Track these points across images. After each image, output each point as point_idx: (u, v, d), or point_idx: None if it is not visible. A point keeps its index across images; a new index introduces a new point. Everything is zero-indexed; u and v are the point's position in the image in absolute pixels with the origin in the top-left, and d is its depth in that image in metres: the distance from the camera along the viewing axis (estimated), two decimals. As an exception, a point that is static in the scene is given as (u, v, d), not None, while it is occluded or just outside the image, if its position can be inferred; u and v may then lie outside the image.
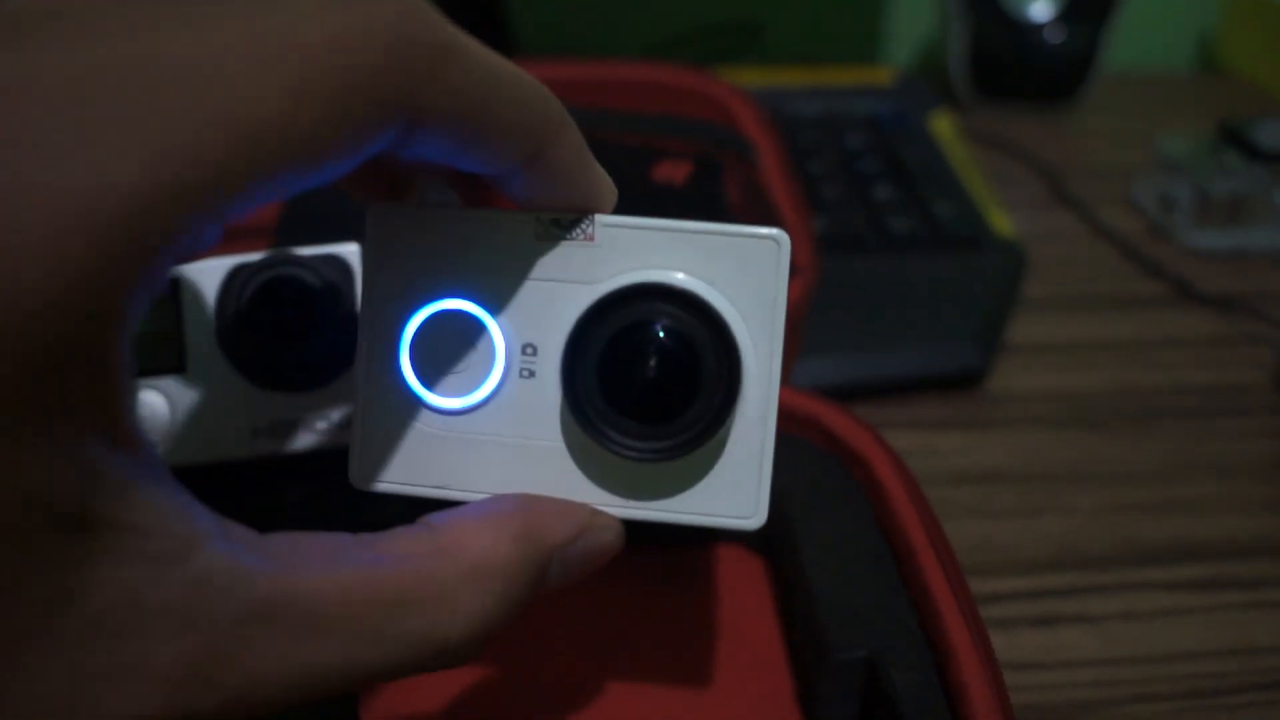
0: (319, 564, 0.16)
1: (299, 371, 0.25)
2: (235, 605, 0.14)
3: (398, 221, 0.20)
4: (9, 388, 0.12)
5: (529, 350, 0.20)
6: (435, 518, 0.18)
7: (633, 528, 0.20)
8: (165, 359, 0.25)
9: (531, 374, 0.20)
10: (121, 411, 0.14)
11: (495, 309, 0.20)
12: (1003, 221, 0.50)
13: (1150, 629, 0.34)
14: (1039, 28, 0.69)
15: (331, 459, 0.24)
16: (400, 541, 0.17)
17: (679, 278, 0.19)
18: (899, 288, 0.45)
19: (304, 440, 0.25)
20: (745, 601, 0.29)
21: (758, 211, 0.41)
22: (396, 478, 0.20)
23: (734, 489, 0.20)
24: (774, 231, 0.19)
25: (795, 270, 0.37)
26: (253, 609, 0.14)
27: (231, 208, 0.14)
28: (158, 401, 0.25)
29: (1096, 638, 0.34)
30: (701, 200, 0.42)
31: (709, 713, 0.26)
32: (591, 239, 0.19)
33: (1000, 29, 0.69)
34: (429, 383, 0.20)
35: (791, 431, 0.31)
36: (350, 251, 0.25)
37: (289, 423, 0.25)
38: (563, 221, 0.19)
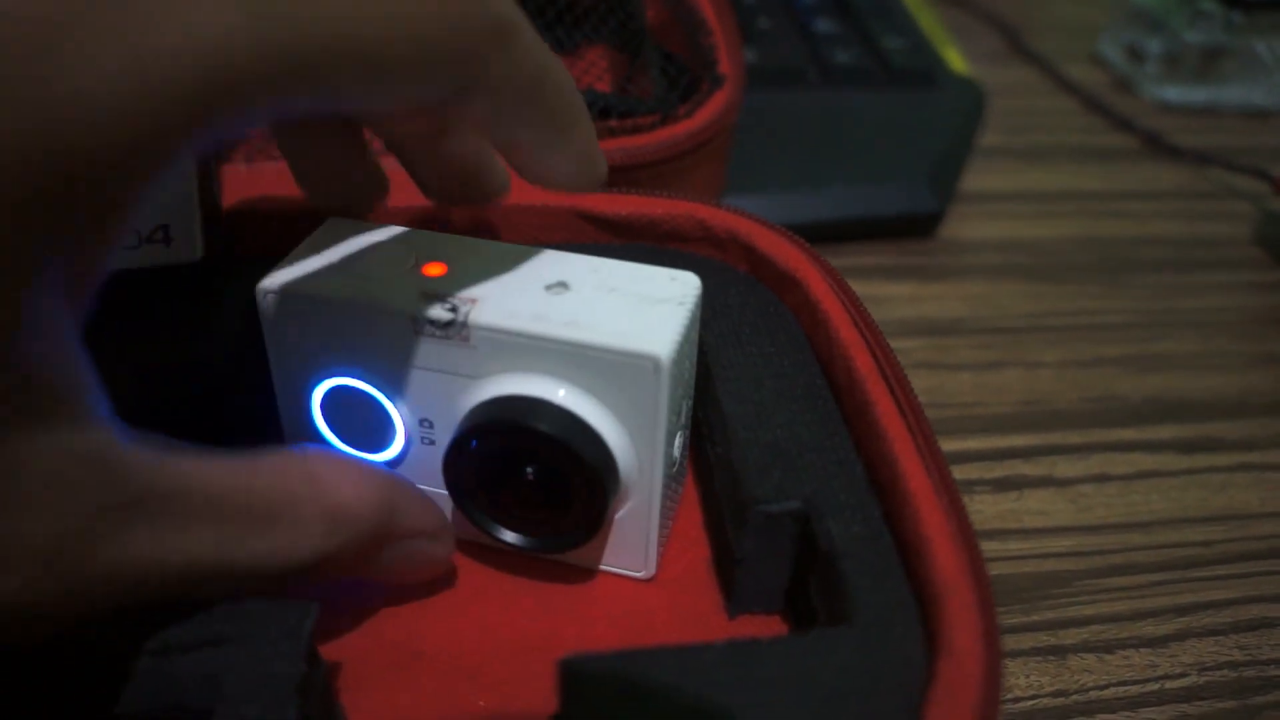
0: (195, 466, 0.15)
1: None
2: (117, 489, 0.14)
3: (287, 306, 0.19)
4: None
5: (426, 424, 0.20)
6: (311, 449, 0.18)
7: None
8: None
9: (432, 442, 0.20)
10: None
11: (388, 391, 0.20)
12: (957, 59, 0.44)
13: (1127, 493, 0.29)
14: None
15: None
16: (276, 459, 0.17)
17: (557, 395, 0.19)
18: (844, 124, 0.39)
19: None
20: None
21: (681, 22, 0.34)
22: None
23: (624, 551, 0.21)
24: (652, 353, 0.18)
25: (720, 80, 0.31)
26: (133, 495, 0.14)
27: (307, 98, 0.14)
28: None
29: (1070, 503, 0.29)
30: (614, 12, 0.35)
31: (603, 595, 0.21)
32: (467, 340, 0.19)
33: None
34: (346, 438, 0.21)
35: (707, 253, 0.25)
36: None
37: None
38: (438, 323, 0.19)
